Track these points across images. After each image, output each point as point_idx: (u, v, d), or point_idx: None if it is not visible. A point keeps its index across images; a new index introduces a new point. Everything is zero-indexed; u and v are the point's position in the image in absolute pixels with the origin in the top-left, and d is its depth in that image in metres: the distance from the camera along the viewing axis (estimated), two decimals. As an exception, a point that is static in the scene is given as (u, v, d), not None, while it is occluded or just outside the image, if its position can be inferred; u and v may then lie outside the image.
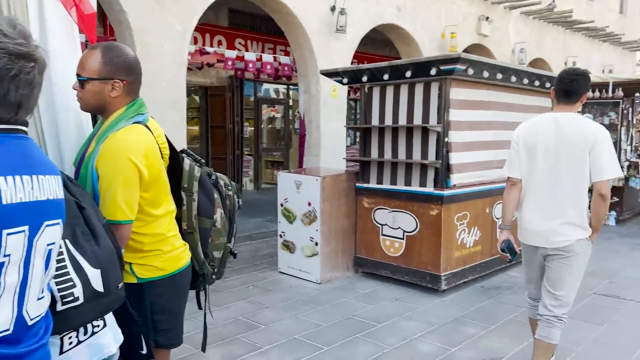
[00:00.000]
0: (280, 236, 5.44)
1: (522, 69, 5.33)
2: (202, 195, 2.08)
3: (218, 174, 2.27)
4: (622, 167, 8.51)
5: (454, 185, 4.83)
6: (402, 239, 5.06)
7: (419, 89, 4.91)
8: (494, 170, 5.38)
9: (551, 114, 2.96)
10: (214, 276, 2.19)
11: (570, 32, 14.42)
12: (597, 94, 8.65)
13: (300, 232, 5.21)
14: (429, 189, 4.84)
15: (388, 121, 5.18)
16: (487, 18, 11.35)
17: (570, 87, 2.86)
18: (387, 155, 5.21)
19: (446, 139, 4.76)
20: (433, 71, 4.56)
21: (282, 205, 5.39)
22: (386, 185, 5.20)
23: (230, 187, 2.27)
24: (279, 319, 4.19)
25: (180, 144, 6.59)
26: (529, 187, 2.95)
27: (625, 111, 8.37)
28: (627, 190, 8.70)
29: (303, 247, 5.20)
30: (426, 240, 4.88)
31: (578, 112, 2.99)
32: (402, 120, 5.06)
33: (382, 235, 5.23)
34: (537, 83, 5.74)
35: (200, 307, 2.30)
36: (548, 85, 5.94)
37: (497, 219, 5.51)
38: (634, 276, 5.54)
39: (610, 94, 8.46)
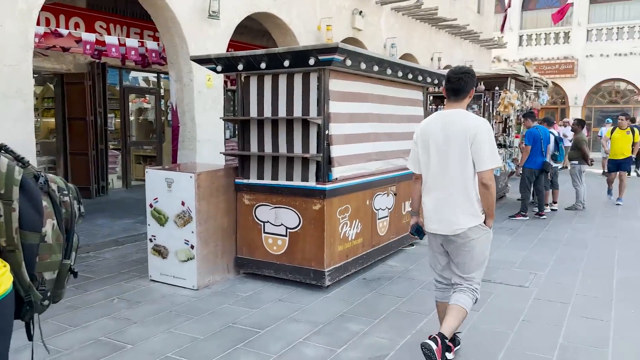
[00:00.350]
0: (151, 240, 4.92)
1: (397, 61, 5.37)
2: (26, 204, 1.62)
3: (50, 175, 1.80)
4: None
5: (336, 178, 4.72)
6: (285, 235, 4.85)
7: (297, 80, 4.70)
8: (373, 162, 5.38)
9: (442, 111, 3.19)
10: (45, 302, 1.74)
11: (435, 29, 15.30)
12: (462, 87, 9.22)
13: (173, 234, 4.75)
14: (312, 183, 4.67)
15: (267, 113, 4.90)
16: (361, 12, 11.56)
17: (457, 86, 3.07)
18: (268, 149, 4.94)
19: (327, 132, 4.61)
20: (311, 61, 4.37)
21: (151, 205, 4.88)
22: (267, 181, 4.93)
23: (66, 192, 1.82)
24: (148, 335, 3.73)
25: (28, 138, 5.70)
26: (427, 181, 3.19)
27: (486, 104, 9.00)
28: (488, 178, 9.39)
29: (177, 251, 4.75)
30: (309, 236, 4.71)
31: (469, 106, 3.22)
32: (282, 112, 4.82)
33: (264, 233, 4.96)
34: (410, 76, 5.86)
35: (30, 339, 1.83)
36: (420, 78, 6.10)
37: (377, 210, 5.53)
38: (501, 259, 5.92)
39: (473, 88, 9.05)
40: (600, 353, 3.51)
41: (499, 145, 10.00)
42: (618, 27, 22.47)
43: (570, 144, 12.17)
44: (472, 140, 2.94)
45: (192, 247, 4.66)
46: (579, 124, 9.44)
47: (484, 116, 9.04)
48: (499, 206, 9.81)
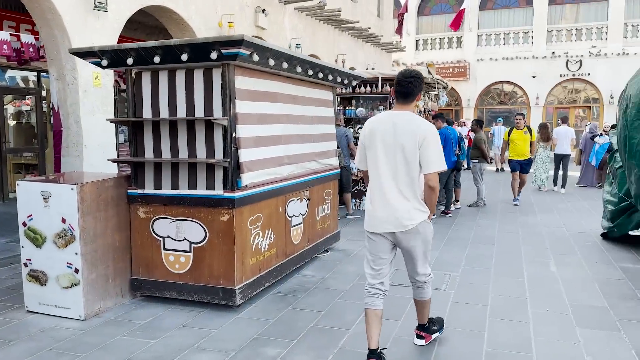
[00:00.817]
0: (26, 265, 4.16)
1: (307, 59, 5.05)
2: None
3: None
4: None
5: (246, 185, 4.28)
6: (189, 252, 4.32)
7: (199, 76, 4.20)
8: (285, 166, 5.02)
9: (391, 112, 3.24)
10: None
11: (339, 31, 15.30)
12: (367, 89, 9.13)
13: (53, 257, 4.03)
14: (218, 191, 4.19)
15: (164, 113, 4.35)
16: (264, 10, 11.17)
17: (407, 89, 3.15)
18: (166, 154, 4.38)
19: (234, 134, 4.17)
20: (214, 55, 3.91)
21: (25, 224, 4.12)
22: (166, 191, 4.37)
23: None
24: (21, 386, 3.06)
25: None
26: (375, 180, 3.20)
27: (392, 105, 8.99)
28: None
29: (58, 276, 4.04)
30: (217, 251, 4.23)
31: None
32: (182, 113, 4.29)
33: (165, 249, 4.40)
34: (320, 75, 5.57)
35: None
36: (330, 77, 5.84)
37: (290, 217, 5.17)
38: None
39: (379, 89, 9.00)
40: (526, 358, 3.42)
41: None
42: (505, 33, 24.14)
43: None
44: (420, 143, 3.04)
45: (76, 270, 3.98)
46: (478, 124, 9.79)
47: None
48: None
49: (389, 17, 20.29)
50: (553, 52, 23.03)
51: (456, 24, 23.78)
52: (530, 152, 9.79)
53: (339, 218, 6.79)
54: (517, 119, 9.84)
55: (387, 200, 3.13)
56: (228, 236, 4.18)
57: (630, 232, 5.88)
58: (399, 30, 24.40)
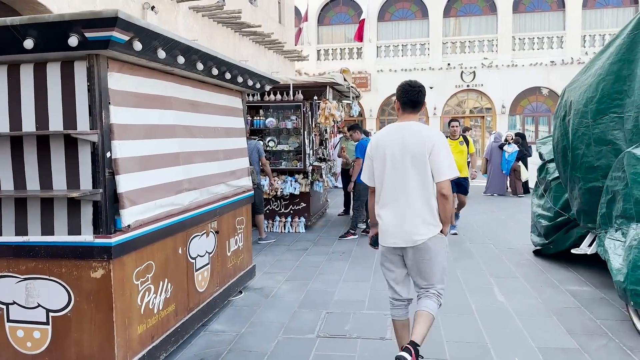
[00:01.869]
0: None
1: (213, 53, 3.93)
2: None
3: None
4: (307, 172, 8.24)
5: (128, 226, 3.06)
6: (46, 323, 3.01)
7: (54, 72, 2.92)
8: (186, 193, 3.83)
9: (398, 124, 3.18)
10: None
11: (239, 36, 14.19)
12: (277, 96, 8.14)
13: None
14: (86, 237, 2.93)
15: (2, 126, 3.00)
16: (153, 7, 9.77)
17: (416, 98, 3.15)
18: (6, 185, 3.03)
19: (109, 154, 2.95)
20: (74, 40, 2.68)
21: None
22: (8, 238, 3.02)
23: None
24: None
25: None
26: (385, 194, 3.15)
27: (306, 114, 8.08)
28: (312, 195, 8.52)
29: None
30: (88, 321, 2.97)
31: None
32: (29, 125, 2.98)
33: (9, 321, 3.04)
34: (228, 76, 4.48)
35: None
36: (240, 80, 4.77)
37: (193, 258, 3.99)
38: (346, 299, 4.90)
39: (291, 97, 8.05)
40: None
41: (320, 160, 9.24)
42: (402, 45, 24.49)
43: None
44: (430, 151, 3.01)
45: None
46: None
47: (303, 128, 8.12)
48: (323, 225, 9.02)
49: (290, 25, 19.54)
50: (448, 64, 23.71)
51: (359, 34, 23.79)
52: (470, 167, 7.97)
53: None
54: (452, 126, 7.96)
55: (396, 214, 3.09)
56: (103, 299, 2.93)
57: (573, 251, 5.43)
58: (297, 40, 23.92)
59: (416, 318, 3.13)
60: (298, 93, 8.07)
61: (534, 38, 23.40)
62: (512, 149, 12.01)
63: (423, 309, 3.13)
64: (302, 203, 8.49)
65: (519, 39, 23.49)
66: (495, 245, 7.27)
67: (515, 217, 9.54)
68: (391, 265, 3.23)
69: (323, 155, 9.69)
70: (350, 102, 9.47)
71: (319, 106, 8.07)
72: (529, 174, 12.95)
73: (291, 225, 8.41)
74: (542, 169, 6.41)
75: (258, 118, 8.30)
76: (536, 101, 23.66)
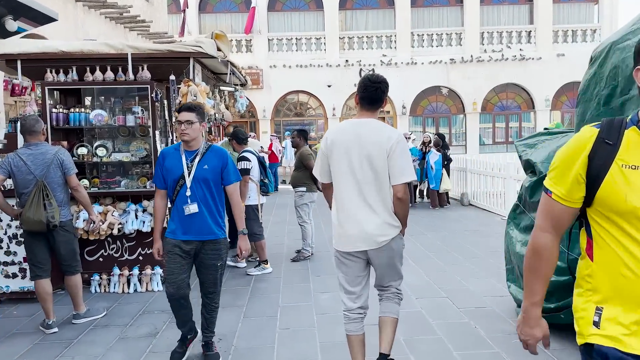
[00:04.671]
0: None
1: None
2: None
3: None
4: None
5: None
6: None
7: None
8: None
9: (354, 121, 3.04)
10: None
11: (85, 9, 10.65)
12: (110, 75, 5.03)
13: None
14: None
15: None
16: None
17: (374, 95, 2.98)
18: None
19: None
20: None
21: None
22: None
23: None
24: None
25: None
26: (342, 195, 3.01)
27: (155, 103, 5.06)
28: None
29: None
30: None
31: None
32: None
33: None
34: None
35: None
36: None
37: None
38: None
39: (132, 77, 4.99)
40: None
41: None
42: (297, 38, 21.99)
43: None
44: (389, 153, 2.90)
45: None
46: (300, 134, 6.44)
47: (154, 126, 5.08)
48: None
49: (161, 5, 16.10)
50: (346, 60, 21.65)
51: (249, 27, 20.85)
52: None
53: None
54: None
55: (356, 217, 2.96)
56: None
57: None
58: (182, 30, 20.44)
59: (381, 326, 3.13)
60: (142, 70, 5.02)
61: (432, 34, 22.14)
62: (435, 155, 9.87)
63: (388, 315, 3.11)
64: (157, 243, 5.45)
65: (418, 35, 22.09)
66: (451, 298, 4.84)
67: (456, 243, 7.27)
68: (349, 270, 3.07)
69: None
70: (233, 89, 6.58)
71: (178, 91, 5.06)
72: (450, 182, 10.95)
73: (140, 280, 5.33)
74: (535, 187, 4.00)
75: (76, 111, 5.10)
76: (436, 101, 22.43)
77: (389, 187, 2.94)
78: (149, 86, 4.98)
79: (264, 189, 5.94)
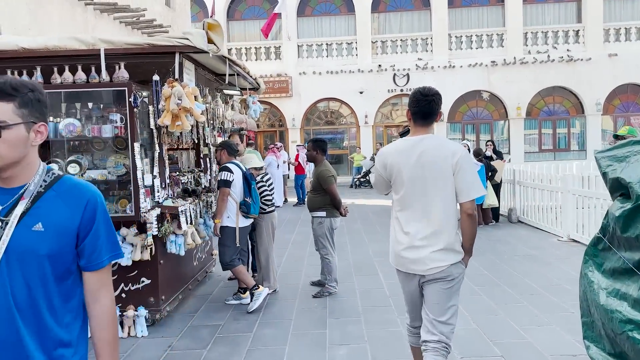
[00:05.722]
0: None
1: None
2: None
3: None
4: (146, 223, 4.28)
5: None
6: None
7: None
8: None
9: (411, 139, 2.88)
10: None
11: (97, 13, 10.01)
12: (81, 76, 4.15)
13: None
14: None
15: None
16: None
17: (427, 108, 2.83)
18: None
19: None
20: None
21: None
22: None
23: None
24: None
25: None
26: (403, 215, 2.89)
27: (135, 109, 4.14)
28: (164, 260, 4.57)
29: None
30: None
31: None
32: None
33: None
34: None
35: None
36: None
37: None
38: None
39: (106, 77, 4.09)
40: None
41: (188, 193, 5.30)
42: (327, 44, 21.07)
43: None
44: (455, 169, 2.75)
45: None
46: (316, 145, 5.40)
47: (132, 137, 4.17)
48: (194, 309, 5.12)
49: (184, 10, 15.48)
50: (379, 65, 20.56)
51: (267, 30, 20.06)
52: None
53: None
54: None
55: (415, 239, 2.80)
56: None
57: None
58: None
59: None
60: (119, 69, 4.12)
61: (472, 36, 20.80)
62: (476, 166, 8.64)
63: None
64: (142, 279, 4.54)
65: (456, 36, 20.81)
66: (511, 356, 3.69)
67: (506, 272, 6.06)
68: (406, 290, 2.98)
69: (198, 183, 5.77)
70: (237, 93, 5.63)
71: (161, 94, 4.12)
72: (494, 197, 9.65)
73: (121, 324, 4.41)
74: (632, 218, 2.84)
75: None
76: (476, 106, 21.02)
77: (455, 206, 2.80)
78: (125, 89, 4.07)
79: (244, 209, 4.97)
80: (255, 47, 21.47)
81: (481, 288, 5.46)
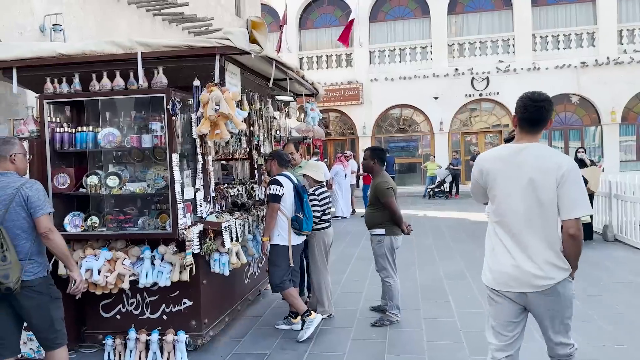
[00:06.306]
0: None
1: None
2: None
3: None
4: (183, 241, 3.94)
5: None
6: None
7: None
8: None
9: (514, 146, 2.72)
10: None
11: (165, 23, 10.09)
12: (120, 82, 3.89)
13: None
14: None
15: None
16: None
17: (536, 115, 2.66)
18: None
19: None
20: None
21: None
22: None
23: None
24: None
25: None
26: (500, 227, 2.71)
27: (173, 118, 3.80)
28: (207, 282, 4.20)
29: None
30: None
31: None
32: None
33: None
34: None
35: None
36: None
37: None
38: None
39: (145, 83, 3.79)
40: None
41: (241, 207, 4.94)
42: (400, 48, 20.35)
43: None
44: (560, 181, 2.54)
45: None
46: (374, 154, 4.84)
47: (171, 147, 3.83)
48: (241, 333, 4.73)
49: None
50: (456, 69, 19.53)
51: (345, 38, 19.69)
52: None
53: None
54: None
55: (513, 253, 2.61)
56: None
57: None
58: (278, 46, 19.89)
59: None
60: (158, 74, 3.81)
61: (558, 35, 19.22)
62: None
63: None
64: (184, 300, 4.19)
65: (541, 37, 19.34)
66: None
67: (605, 304, 5.14)
68: (499, 313, 2.69)
69: (251, 195, 5.40)
70: (292, 99, 5.19)
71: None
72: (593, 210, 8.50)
73: (161, 350, 4.08)
74: None
75: (83, 130, 4.02)
76: (564, 111, 19.33)
77: (557, 222, 2.62)
78: (164, 95, 3.75)
79: (296, 226, 4.47)
80: (327, 55, 21.21)
81: (577, 322, 4.61)
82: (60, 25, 6.92)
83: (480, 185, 2.79)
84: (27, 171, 3.46)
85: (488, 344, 2.78)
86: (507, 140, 2.99)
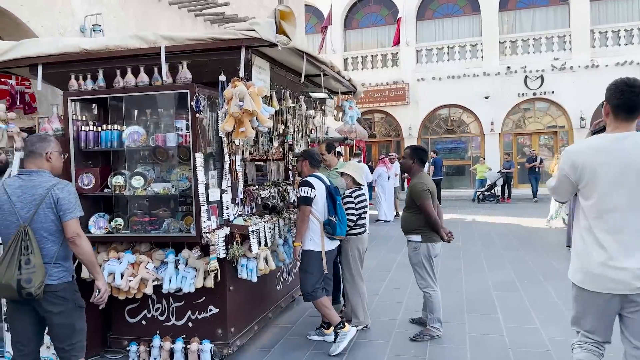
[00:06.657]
0: None
1: None
2: None
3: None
4: (208, 245, 3.72)
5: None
6: None
7: None
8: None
9: (610, 135, 2.56)
10: None
11: (207, 23, 10.05)
12: (144, 78, 3.73)
13: None
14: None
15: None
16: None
17: (633, 101, 2.50)
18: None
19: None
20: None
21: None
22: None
23: None
24: None
25: None
26: (599, 224, 2.53)
27: (197, 115, 3.59)
28: (234, 288, 3.99)
29: None
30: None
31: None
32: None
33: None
34: None
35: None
36: None
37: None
38: None
39: (170, 78, 3.61)
40: None
41: (272, 209, 4.71)
42: (448, 47, 19.68)
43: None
44: None
45: None
46: (414, 153, 4.48)
47: (194, 147, 3.62)
48: (271, 342, 4.48)
49: (297, 22, 15.26)
50: (508, 67, 18.68)
51: (397, 38, 19.26)
52: None
53: None
54: None
55: (618, 252, 2.45)
56: None
57: None
58: (320, 46, 19.73)
59: None
60: (182, 69, 3.62)
61: (619, 31, 18.06)
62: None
63: None
64: (210, 307, 3.99)
65: (600, 32, 18.23)
66: None
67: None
68: (598, 314, 2.56)
69: (282, 198, 5.15)
70: (326, 96, 4.91)
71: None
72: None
73: (186, 358, 3.90)
74: None
75: (108, 128, 3.89)
76: (626, 111, 18.11)
77: None
78: (188, 91, 3.55)
79: (329, 230, 4.15)
80: (372, 55, 20.82)
81: None
82: (100, 25, 6.93)
83: (572, 181, 2.60)
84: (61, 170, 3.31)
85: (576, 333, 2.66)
86: (595, 132, 2.62)
